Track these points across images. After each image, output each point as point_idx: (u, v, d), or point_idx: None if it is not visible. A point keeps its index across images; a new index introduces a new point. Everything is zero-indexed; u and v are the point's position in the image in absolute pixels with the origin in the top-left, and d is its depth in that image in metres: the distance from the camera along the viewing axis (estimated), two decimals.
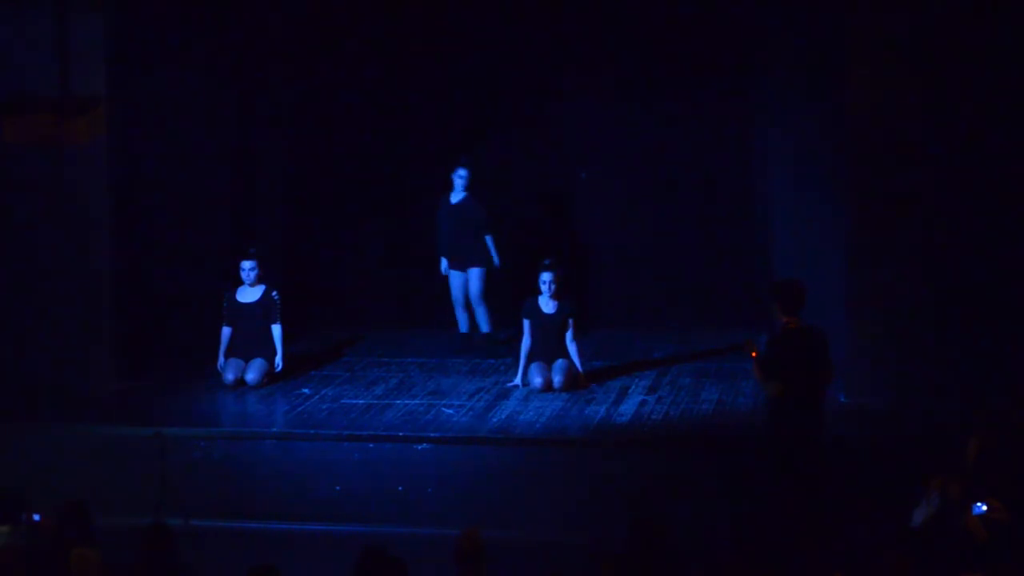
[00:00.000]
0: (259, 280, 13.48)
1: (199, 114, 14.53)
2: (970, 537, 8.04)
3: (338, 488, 11.82)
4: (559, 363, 13.03)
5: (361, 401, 12.96)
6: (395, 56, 15.42)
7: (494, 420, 12.35)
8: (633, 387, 13.20)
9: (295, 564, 9.60)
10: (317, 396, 13.10)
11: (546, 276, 13.05)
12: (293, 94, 15.67)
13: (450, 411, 12.58)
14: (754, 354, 10.11)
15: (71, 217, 13.25)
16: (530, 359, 13.13)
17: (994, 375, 11.97)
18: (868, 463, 11.20)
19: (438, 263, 14.51)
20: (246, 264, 13.45)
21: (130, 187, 13.69)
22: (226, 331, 13.46)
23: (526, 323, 13.10)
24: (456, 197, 14.21)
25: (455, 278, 14.37)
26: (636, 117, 15.28)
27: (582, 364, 13.15)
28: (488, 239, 14.13)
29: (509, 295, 14.61)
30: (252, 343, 13.43)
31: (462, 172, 14.11)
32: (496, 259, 14.14)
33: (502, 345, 14.28)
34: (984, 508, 8.25)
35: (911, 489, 9.08)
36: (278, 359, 13.46)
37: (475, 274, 14.22)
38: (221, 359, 13.45)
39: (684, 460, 11.57)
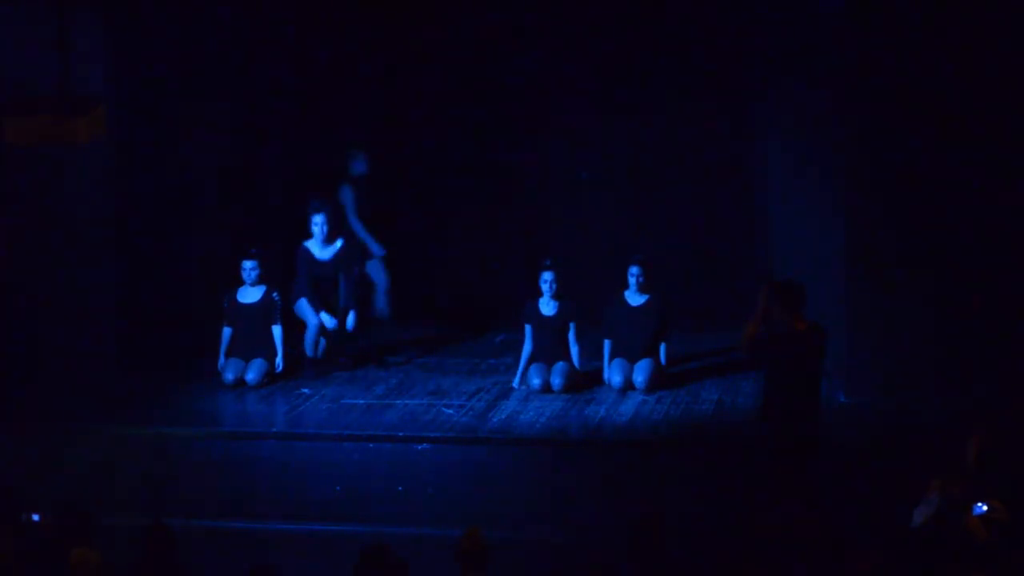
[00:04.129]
0: (260, 280, 13.49)
1: (199, 114, 14.53)
2: (970, 537, 8.03)
3: (338, 488, 11.81)
4: (559, 365, 13.03)
5: (361, 401, 12.96)
6: (395, 55, 15.42)
7: (494, 420, 12.36)
8: None
9: (295, 564, 9.60)
10: (317, 396, 13.10)
11: (547, 276, 13.07)
12: (293, 94, 15.67)
13: (450, 411, 12.59)
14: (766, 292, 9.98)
15: (71, 217, 13.25)
16: (530, 361, 13.14)
17: (994, 375, 11.97)
18: (868, 463, 11.20)
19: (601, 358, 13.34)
20: (247, 264, 13.45)
21: (130, 187, 13.69)
22: (227, 331, 13.47)
23: (527, 328, 13.11)
24: (636, 300, 13.16)
25: (622, 370, 13.17)
26: (636, 117, 15.29)
27: (583, 367, 13.17)
28: (662, 346, 13.18)
29: (510, 296, 14.65)
30: (252, 343, 13.43)
31: (635, 270, 13.09)
32: (664, 361, 13.22)
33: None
34: (984, 508, 8.24)
35: (911, 489, 9.08)
36: (278, 359, 13.47)
37: (647, 368, 13.09)
38: (222, 359, 13.46)
39: (684, 460, 11.58)
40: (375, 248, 14.66)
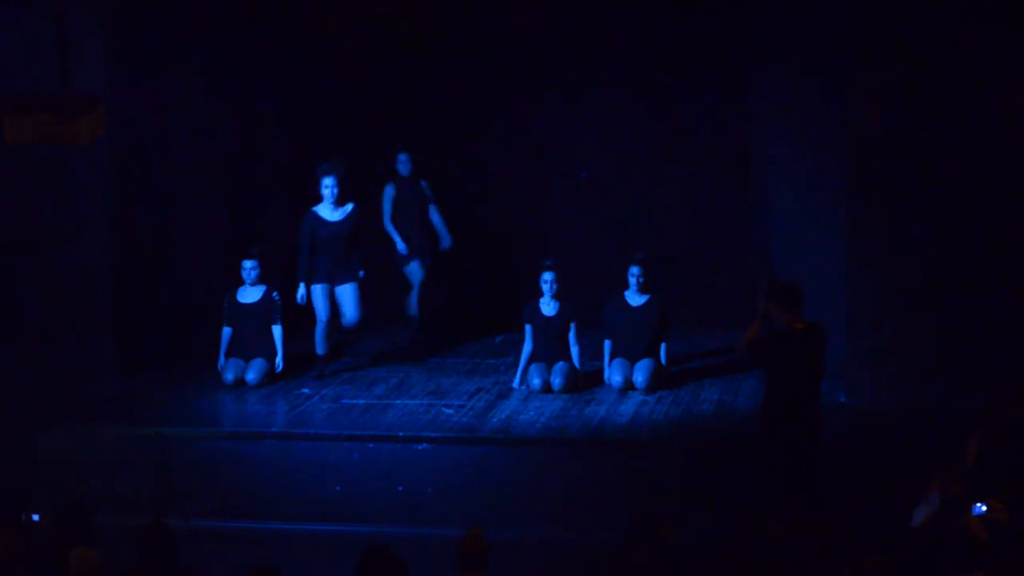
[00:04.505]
0: (260, 280, 13.48)
1: (199, 113, 14.54)
2: (970, 537, 8.03)
3: (338, 488, 11.82)
4: (559, 365, 13.04)
5: (361, 401, 12.96)
6: (395, 56, 15.42)
7: (494, 420, 12.36)
8: None
9: (295, 564, 9.60)
10: (317, 396, 13.10)
11: (547, 276, 13.07)
12: (293, 93, 15.67)
13: (450, 411, 12.59)
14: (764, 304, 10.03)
15: (71, 217, 13.25)
16: (530, 361, 13.14)
17: (994, 375, 11.96)
18: (868, 463, 11.20)
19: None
20: (247, 263, 13.45)
21: (130, 187, 13.69)
22: (227, 331, 13.47)
23: (528, 328, 13.11)
24: (637, 300, 13.16)
25: (623, 370, 13.17)
26: (636, 116, 15.29)
27: (583, 367, 13.17)
28: (663, 346, 13.24)
29: (509, 297, 14.65)
30: (252, 343, 13.43)
31: (635, 270, 13.06)
32: (664, 361, 13.27)
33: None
34: (984, 508, 8.24)
35: (911, 489, 9.08)
36: (278, 360, 13.47)
37: (647, 368, 13.11)
38: (222, 359, 13.46)
39: (684, 460, 11.58)
40: (400, 246, 14.52)
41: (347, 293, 13.43)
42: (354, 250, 13.47)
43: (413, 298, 14.70)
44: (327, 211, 13.36)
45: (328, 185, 13.30)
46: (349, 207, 13.40)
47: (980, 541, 7.98)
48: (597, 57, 15.23)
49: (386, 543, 7.84)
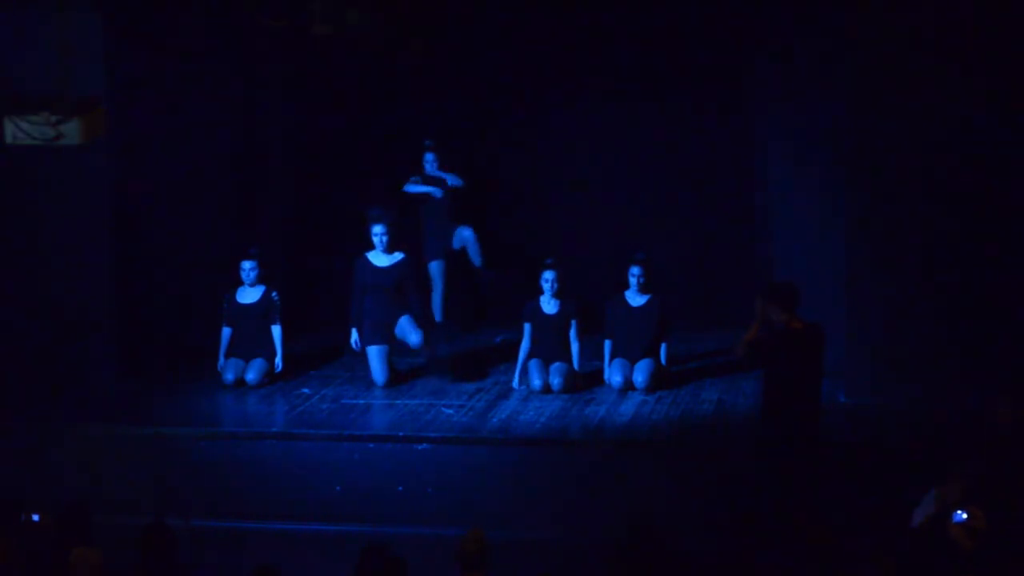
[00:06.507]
0: (259, 280, 13.48)
1: (200, 113, 14.53)
2: (953, 544, 8.04)
3: (338, 488, 11.82)
4: (557, 365, 13.03)
5: (361, 401, 12.96)
6: (396, 57, 15.42)
7: (494, 420, 12.36)
8: None
9: (295, 564, 9.61)
10: (317, 396, 13.10)
11: (548, 275, 13.07)
12: (294, 93, 15.67)
13: (450, 411, 12.59)
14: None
15: (71, 217, 13.25)
16: (528, 359, 13.14)
17: (995, 375, 11.96)
18: (868, 463, 11.21)
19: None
20: (246, 264, 13.45)
21: (130, 187, 13.69)
22: (226, 332, 13.47)
23: (526, 326, 13.11)
24: (637, 300, 13.16)
25: (623, 370, 13.23)
26: (636, 118, 15.29)
27: (582, 365, 13.17)
28: (663, 346, 13.21)
29: (508, 297, 14.64)
30: (252, 343, 13.43)
31: (635, 270, 13.16)
32: (664, 361, 13.29)
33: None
34: (964, 516, 8.23)
35: (911, 489, 9.08)
36: (278, 360, 13.47)
37: (647, 369, 13.14)
38: (221, 359, 13.46)
39: (684, 460, 11.58)
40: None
41: (404, 322, 13.15)
42: (404, 301, 13.19)
43: (436, 301, 14.67)
44: (377, 258, 13.26)
45: (377, 233, 13.18)
46: (398, 256, 13.28)
47: (963, 547, 7.99)
48: (599, 59, 15.23)
49: (386, 543, 7.85)
